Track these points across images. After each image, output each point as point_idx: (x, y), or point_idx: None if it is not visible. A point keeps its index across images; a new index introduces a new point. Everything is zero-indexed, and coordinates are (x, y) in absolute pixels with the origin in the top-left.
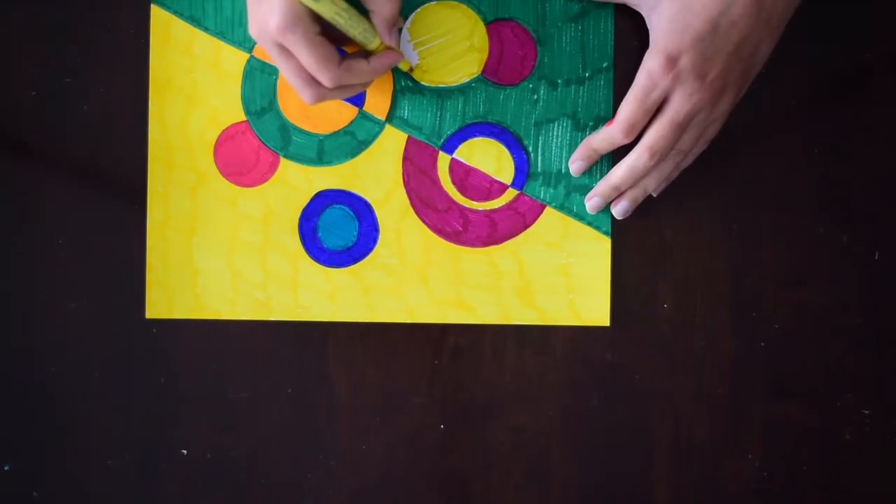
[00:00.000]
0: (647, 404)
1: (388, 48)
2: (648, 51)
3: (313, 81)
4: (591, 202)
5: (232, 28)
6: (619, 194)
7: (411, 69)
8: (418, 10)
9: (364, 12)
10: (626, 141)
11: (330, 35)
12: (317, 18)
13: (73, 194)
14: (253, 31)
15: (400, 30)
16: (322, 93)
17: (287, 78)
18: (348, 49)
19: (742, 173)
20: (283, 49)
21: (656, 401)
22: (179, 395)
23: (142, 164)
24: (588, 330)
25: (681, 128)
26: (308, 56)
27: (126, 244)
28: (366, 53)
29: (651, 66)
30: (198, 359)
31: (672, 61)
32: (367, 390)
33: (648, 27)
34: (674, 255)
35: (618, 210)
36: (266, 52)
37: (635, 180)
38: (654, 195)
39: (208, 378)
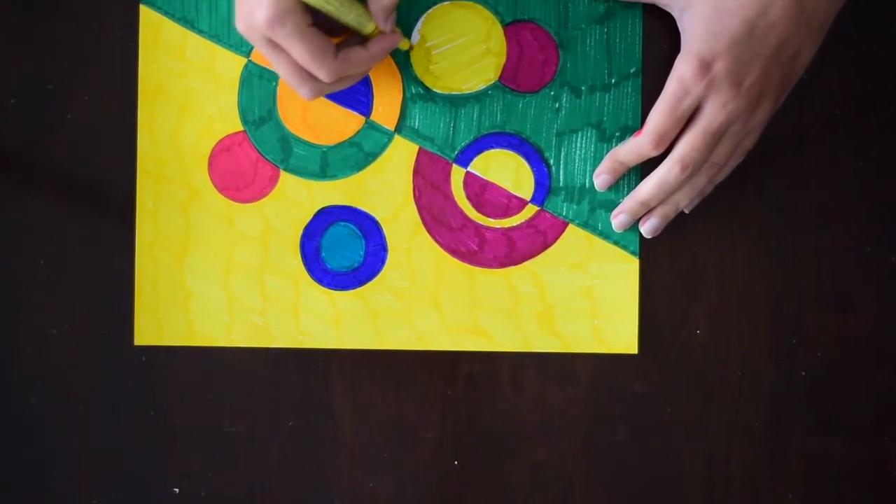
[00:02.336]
0: (678, 439)
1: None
2: (680, 55)
3: (310, 76)
4: (618, 219)
5: (228, 30)
6: (647, 211)
7: (411, 48)
8: (430, 10)
9: None
10: (656, 153)
11: (321, 25)
12: (307, 9)
13: (55, 210)
14: (240, 26)
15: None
16: (320, 87)
17: (281, 74)
18: (334, 41)
19: (781, 188)
20: (274, 45)
21: (689, 435)
22: (171, 429)
23: (130, 177)
24: (615, 358)
25: (714, 138)
26: (301, 50)
27: (113, 265)
28: (361, 38)
29: (682, 72)
30: (191, 390)
31: (705, 66)
32: (375, 423)
33: (680, 29)
34: (707, 276)
35: (646, 228)
36: (256, 48)
37: (665, 195)
38: (686, 211)
39: (202, 410)
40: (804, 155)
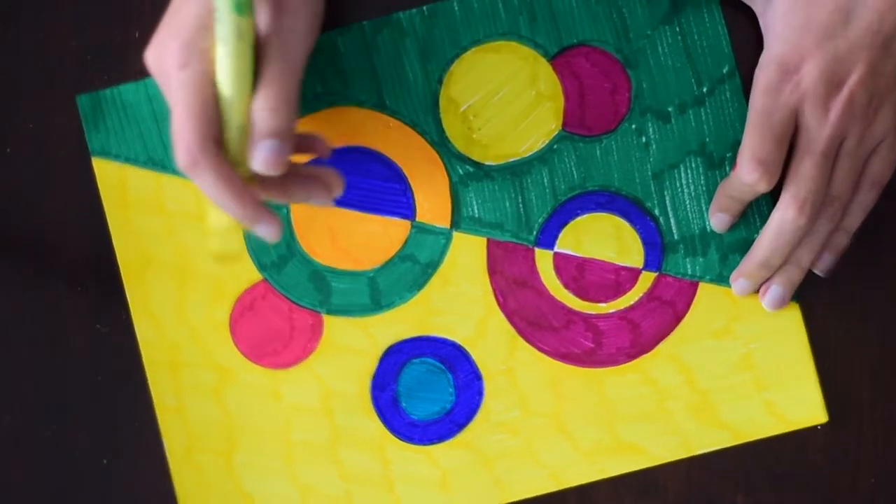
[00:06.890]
0: None
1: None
2: (759, 62)
3: None
4: (738, 284)
5: None
6: (770, 274)
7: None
8: (453, 64)
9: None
10: (762, 184)
11: None
12: None
13: None
14: (149, 57)
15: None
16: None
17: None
18: None
19: None
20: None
21: None
22: None
23: (86, 227)
24: (709, 462)
25: (826, 159)
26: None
27: (66, 335)
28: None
29: (765, 83)
30: None
31: (791, 71)
32: None
33: (762, 29)
34: (831, 358)
35: (769, 300)
36: (161, 89)
37: (787, 250)
38: (822, 274)
39: None
40: None
